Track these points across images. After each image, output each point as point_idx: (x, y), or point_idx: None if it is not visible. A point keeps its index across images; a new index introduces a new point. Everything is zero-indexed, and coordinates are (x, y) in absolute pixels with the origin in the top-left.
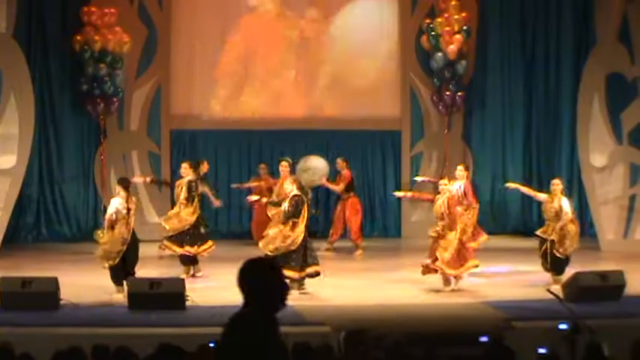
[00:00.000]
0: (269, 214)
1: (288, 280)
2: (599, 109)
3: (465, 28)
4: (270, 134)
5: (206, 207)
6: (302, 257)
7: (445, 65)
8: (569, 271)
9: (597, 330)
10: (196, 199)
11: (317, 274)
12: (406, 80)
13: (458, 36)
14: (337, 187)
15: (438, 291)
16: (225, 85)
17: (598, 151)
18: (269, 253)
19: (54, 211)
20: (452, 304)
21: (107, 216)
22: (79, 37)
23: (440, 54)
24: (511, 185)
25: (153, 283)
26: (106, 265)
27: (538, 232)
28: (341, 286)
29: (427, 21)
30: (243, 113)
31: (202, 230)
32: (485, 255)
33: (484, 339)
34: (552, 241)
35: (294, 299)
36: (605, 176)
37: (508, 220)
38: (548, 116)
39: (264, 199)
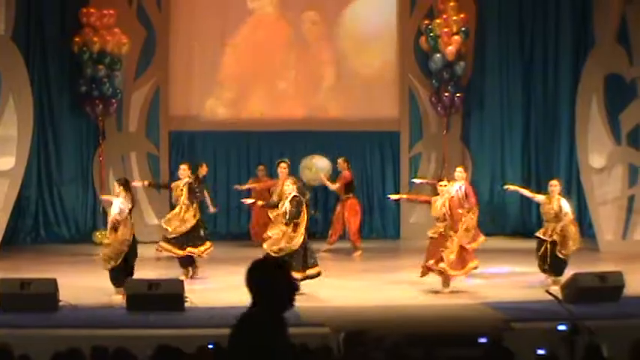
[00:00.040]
0: (270, 216)
1: None
2: (598, 110)
3: (463, 29)
4: (269, 135)
5: (204, 209)
6: (302, 258)
7: (444, 66)
8: (568, 272)
9: (596, 331)
10: (196, 202)
11: (318, 274)
12: (405, 81)
13: (456, 37)
14: (334, 186)
15: (436, 292)
16: (224, 87)
17: (597, 152)
18: (274, 254)
19: (53, 212)
20: (451, 305)
21: (112, 217)
22: (77, 39)
23: (438, 55)
24: (510, 187)
25: (152, 284)
26: (109, 266)
27: (538, 234)
28: (340, 287)
29: (426, 22)
30: (241, 114)
31: (202, 233)
32: (484, 256)
33: (483, 340)
34: (553, 243)
35: None
36: (603, 177)
37: (507, 221)
38: (546, 117)
39: (260, 202)
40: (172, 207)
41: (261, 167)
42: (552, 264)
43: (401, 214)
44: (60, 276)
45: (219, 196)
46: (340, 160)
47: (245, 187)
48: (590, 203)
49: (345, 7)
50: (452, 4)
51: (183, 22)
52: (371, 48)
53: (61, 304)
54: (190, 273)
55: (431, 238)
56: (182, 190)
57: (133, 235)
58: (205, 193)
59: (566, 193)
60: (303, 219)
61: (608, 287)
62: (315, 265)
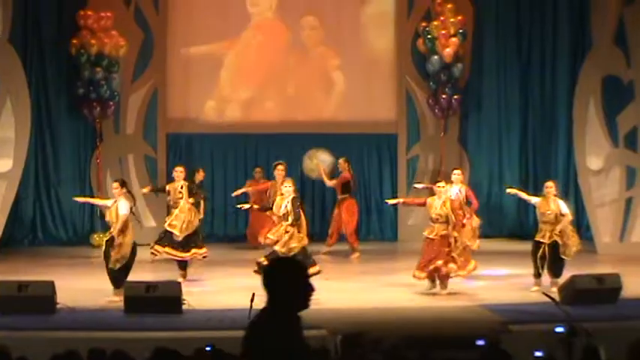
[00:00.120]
0: (274, 219)
1: None
2: (595, 112)
3: (460, 31)
4: (266, 138)
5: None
6: (302, 258)
7: (441, 68)
8: (566, 275)
9: (594, 333)
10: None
11: (318, 272)
12: (402, 83)
13: (454, 39)
14: (330, 183)
15: (434, 294)
16: (221, 89)
17: (594, 154)
18: (285, 255)
19: (50, 214)
20: (448, 307)
21: (122, 218)
22: (75, 41)
23: (436, 57)
24: (511, 191)
25: (149, 286)
26: (118, 265)
27: (538, 238)
28: (337, 290)
29: (423, 24)
30: (239, 117)
31: (200, 236)
32: (481, 258)
33: (481, 342)
34: (553, 245)
35: None
36: (601, 179)
37: (504, 223)
38: (544, 119)
39: (256, 206)
40: (168, 209)
41: (258, 169)
42: (552, 266)
43: (398, 216)
44: (57, 278)
45: (216, 198)
46: (341, 160)
47: (241, 191)
48: (587, 205)
49: (341, 10)
50: (449, 6)
51: (180, 24)
52: (368, 50)
53: (58, 306)
54: (188, 275)
55: (429, 239)
56: (181, 192)
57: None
58: (202, 199)
59: (564, 195)
60: (304, 218)
61: (605, 289)
62: (314, 264)
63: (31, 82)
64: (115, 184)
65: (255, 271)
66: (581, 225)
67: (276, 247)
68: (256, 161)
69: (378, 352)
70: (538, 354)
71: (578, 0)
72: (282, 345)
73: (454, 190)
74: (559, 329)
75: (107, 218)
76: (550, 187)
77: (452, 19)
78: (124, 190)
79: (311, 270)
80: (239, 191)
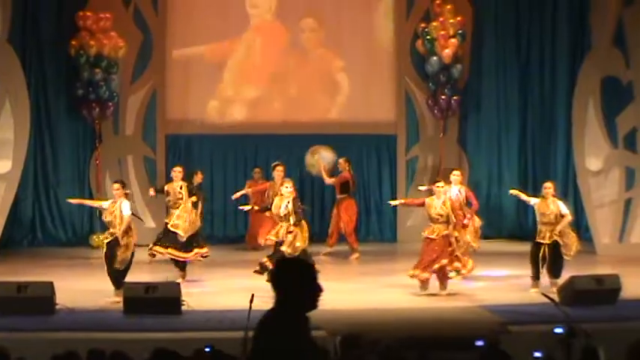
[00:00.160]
0: (275, 219)
1: None
2: (595, 113)
3: (460, 32)
4: (265, 139)
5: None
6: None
7: (440, 69)
8: (565, 275)
9: (593, 334)
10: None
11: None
12: (401, 84)
13: (453, 40)
14: (329, 180)
15: (433, 295)
16: (221, 90)
17: (593, 155)
18: (292, 255)
19: (49, 215)
20: (448, 308)
21: (126, 219)
22: (74, 42)
23: (435, 58)
24: (513, 192)
25: (148, 287)
26: (122, 267)
27: (539, 239)
28: (337, 290)
29: (422, 25)
30: (238, 118)
31: (202, 235)
32: (481, 259)
33: (480, 343)
34: (553, 244)
35: None
36: (600, 180)
37: (504, 224)
38: (543, 120)
39: (256, 207)
40: (167, 210)
41: (257, 170)
42: (552, 266)
43: (398, 217)
44: (57, 279)
45: (215, 199)
46: (341, 160)
47: (240, 193)
48: (586, 206)
49: (341, 11)
50: (448, 7)
51: (179, 25)
52: (367, 51)
53: (57, 307)
54: (187, 276)
55: (429, 239)
56: (181, 192)
57: None
58: (200, 202)
59: (563, 196)
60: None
61: (604, 290)
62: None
63: (30, 83)
64: (117, 185)
65: (255, 272)
66: (581, 226)
67: (283, 248)
68: (256, 162)
69: (377, 353)
70: (537, 355)
71: (578, 1)
72: (292, 345)
73: (454, 190)
74: (558, 330)
75: (107, 219)
76: (548, 187)
77: (451, 20)
78: (125, 191)
79: None
80: (238, 194)
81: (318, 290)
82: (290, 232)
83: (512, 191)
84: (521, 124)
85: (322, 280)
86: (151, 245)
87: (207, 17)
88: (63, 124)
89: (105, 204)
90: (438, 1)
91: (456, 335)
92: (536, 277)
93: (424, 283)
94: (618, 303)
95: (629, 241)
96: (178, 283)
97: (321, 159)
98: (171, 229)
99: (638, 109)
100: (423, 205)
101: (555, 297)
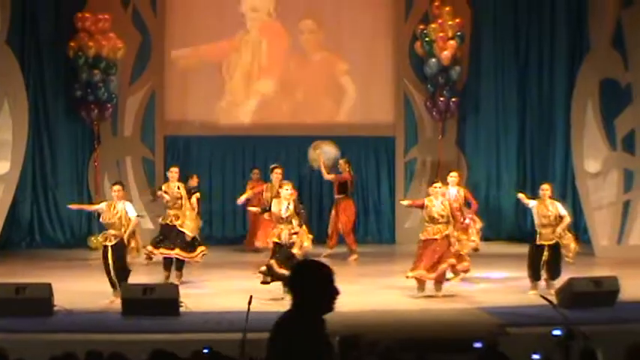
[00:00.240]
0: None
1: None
2: (593, 115)
3: (458, 33)
4: (264, 140)
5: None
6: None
7: (439, 71)
8: (563, 277)
9: (591, 336)
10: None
11: None
12: (400, 86)
13: (452, 42)
14: (328, 176)
15: (432, 296)
16: (220, 92)
17: (592, 157)
18: (300, 256)
19: (48, 217)
20: (446, 309)
21: (134, 220)
22: (72, 43)
23: (434, 60)
24: (520, 196)
25: (146, 288)
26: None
27: (541, 242)
28: None
29: (421, 27)
30: (237, 119)
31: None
32: (479, 261)
33: (478, 345)
34: (554, 246)
35: (289, 305)
36: (599, 182)
37: (502, 226)
38: (542, 122)
39: (257, 208)
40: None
41: (255, 171)
42: (551, 268)
43: (396, 218)
44: (55, 281)
45: (214, 200)
46: (342, 161)
47: (245, 197)
48: (585, 208)
49: (339, 12)
50: (447, 8)
51: (178, 26)
52: (366, 53)
53: (55, 308)
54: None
55: (430, 239)
56: (180, 192)
57: None
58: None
59: (562, 197)
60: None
61: (603, 292)
62: None
63: (29, 85)
64: (118, 187)
65: (259, 274)
66: (579, 228)
67: (294, 250)
68: (254, 163)
69: (375, 354)
70: (535, 357)
71: (576, 2)
72: (308, 347)
73: (452, 191)
74: (556, 332)
75: (110, 220)
76: (546, 189)
77: (449, 22)
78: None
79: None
80: (243, 197)
81: (334, 293)
82: (295, 234)
83: (519, 194)
84: (520, 126)
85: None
86: (150, 248)
87: (205, 18)
88: (61, 126)
89: (102, 205)
90: (436, 3)
91: (454, 337)
92: (534, 279)
93: (422, 285)
94: (616, 305)
95: (628, 243)
96: (177, 285)
97: (322, 154)
98: (180, 229)
99: (637, 111)
100: (423, 206)
101: (554, 299)
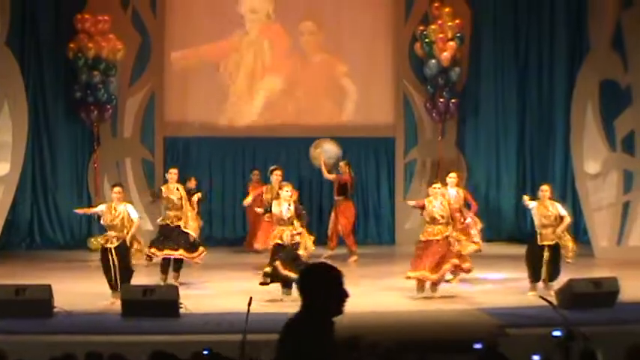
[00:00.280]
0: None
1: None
2: (593, 116)
3: (458, 35)
4: (263, 141)
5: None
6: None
7: (439, 72)
8: (563, 278)
9: (591, 337)
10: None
11: None
12: (400, 87)
13: (451, 43)
14: (328, 175)
15: (432, 298)
16: (219, 93)
17: (592, 158)
18: (305, 257)
19: (47, 218)
20: (446, 310)
21: (137, 222)
22: (72, 45)
23: (433, 61)
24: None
25: (146, 290)
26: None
27: (543, 242)
28: None
29: (421, 28)
30: (236, 121)
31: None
32: (479, 262)
33: (478, 346)
34: (554, 247)
35: (288, 307)
36: (598, 183)
37: (502, 227)
38: (541, 123)
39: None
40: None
41: (255, 172)
42: (551, 269)
43: (396, 220)
44: (55, 282)
45: (214, 201)
46: (342, 163)
47: (251, 198)
48: (585, 209)
49: (339, 13)
50: (447, 10)
51: (178, 28)
52: (365, 54)
53: (55, 310)
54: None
55: (430, 241)
56: (179, 193)
57: None
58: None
59: (562, 199)
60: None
61: (603, 293)
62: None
63: (29, 86)
64: (119, 189)
65: (263, 275)
66: (579, 229)
67: (300, 252)
68: (254, 164)
69: (375, 355)
70: (535, 358)
71: (576, 3)
72: (317, 350)
73: (452, 192)
74: (556, 333)
75: (112, 222)
76: (545, 190)
77: (449, 23)
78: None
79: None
80: (249, 199)
81: (344, 295)
82: (299, 234)
83: (525, 197)
84: (520, 127)
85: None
86: (153, 250)
87: (205, 20)
88: (61, 127)
89: (103, 207)
90: (436, 4)
91: (454, 338)
92: (534, 279)
93: (422, 285)
94: (616, 306)
95: (627, 244)
96: (177, 286)
97: (322, 152)
98: (184, 230)
99: (636, 112)
100: (424, 207)
101: (553, 300)
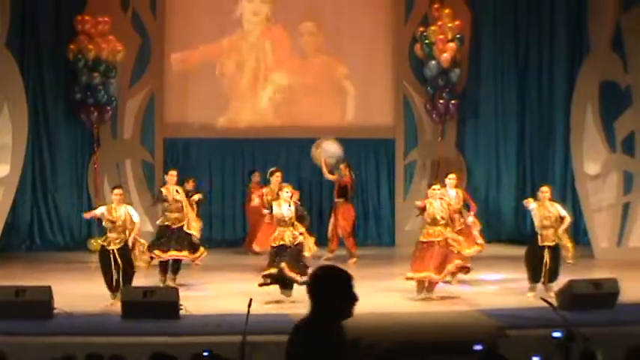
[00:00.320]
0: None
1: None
2: (593, 118)
3: (458, 36)
4: (263, 143)
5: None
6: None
7: (439, 73)
8: (563, 279)
9: (591, 338)
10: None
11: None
12: (400, 88)
13: (451, 44)
14: (328, 176)
15: (431, 299)
16: (219, 94)
17: (592, 159)
18: (309, 258)
19: (47, 220)
20: (445, 312)
21: (138, 224)
22: (72, 46)
23: (433, 62)
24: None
25: (146, 291)
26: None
27: (544, 243)
28: None
29: (421, 29)
30: (236, 122)
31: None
32: (479, 263)
33: (478, 347)
34: (554, 248)
35: (288, 308)
36: (598, 184)
37: (502, 228)
38: (541, 124)
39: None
40: (163, 212)
41: (256, 174)
42: (551, 271)
43: (396, 221)
44: (55, 283)
45: (214, 203)
46: (342, 166)
47: (259, 201)
48: (585, 210)
49: (339, 15)
50: (447, 11)
51: (178, 29)
52: (366, 55)
53: (55, 311)
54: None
55: (431, 242)
56: (179, 194)
57: None
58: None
59: (562, 200)
60: None
61: (603, 294)
62: (305, 272)
63: (29, 88)
64: (120, 191)
65: (267, 277)
66: (579, 230)
67: (306, 253)
68: (254, 166)
69: (376, 356)
70: (535, 359)
71: (576, 4)
72: (326, 353)
73: (451, 193)
74: (556, 334)
75: (111, 224)
76: (545, 191)
77: (449, 25)
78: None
79: (302, 278)
80: (257, 201)
81: (353, 299)
82: (301, 234)
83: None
84: (520, 129)
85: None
86: (158, 252)
87: (205, 21)
88: (61, 129)
89: (102, 210)
90: (436, 5)
91: (454, 339)
92: (534, 281)
93: (422, 286)
94: (616, 307)
95: (627, 245)
96: (177, 288)
97: (323, 152)
98: (188, 231)
99: (637, 114)
100: (425, 208)
101: (553, 301)
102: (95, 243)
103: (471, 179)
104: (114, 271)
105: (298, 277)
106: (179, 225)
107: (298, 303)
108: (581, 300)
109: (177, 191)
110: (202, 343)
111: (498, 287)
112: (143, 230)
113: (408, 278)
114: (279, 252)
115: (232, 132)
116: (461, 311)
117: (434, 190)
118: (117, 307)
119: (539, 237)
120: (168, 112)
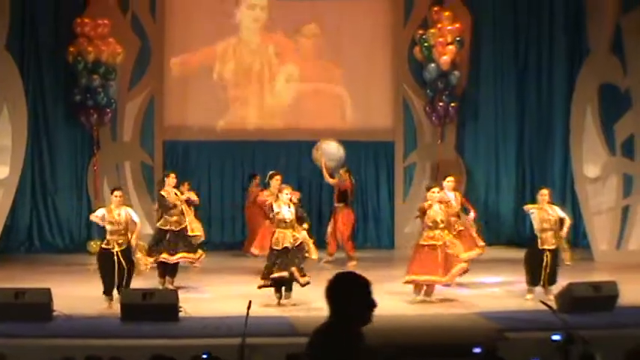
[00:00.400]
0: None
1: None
2: (592, 120)
3: (457, 39)
4: (263, 145)
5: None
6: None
7: (438, 76)
8: (562, 282)
9: (591, 340)
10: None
11: (308, 283)
12: (399, 91)
13: (451, 47)
14: (328, 179)
15: (430, 302)
16: (219, 97)
17: (591, 162)
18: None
19: (47, 222)
20: (445, 315)
21: (139, 226)
22: (72, 49)
23: (433, 65)
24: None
25: (146, 294)
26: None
27: (545, 246)
28: None
29: (420, 32)
30: (235, 125)
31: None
32: (478, 266)
33: (477, 350)
34: (554, 250)
35: (287, 310)
36: (598, 187)
37: (501, 230)
38: (541, 127)
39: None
40: (161, 214)
41: (256, 178)
42: (551, 273)
43: (395, 223)
44: (54, 286)
45: (213, 205)
46: (342, 171)
47: (269, 204)
48: (584, 213)
49: (338, 17)
50: (446, 13)
51: (177, 32)
52: (365, 58)
53: (55, 313)
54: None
55: (436, 245)
56: (178, 196)
57: None
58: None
59: (561, 202)
60: None
61: (602, 297)
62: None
63: (28, 90)
64: (120, 193)
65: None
66: (578, 233)
67: (313, 256)
68: (253, 168)
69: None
70: None
71: (575, 7)
72: (348, 355)
73: (450, 196)
74: (556, 337)
75: (112, 226)
76: (544, 194)
77: (449, 27)
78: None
79: (302, 279)
80: (267, 202)
81: (372, 305)
82: (303, 236)
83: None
84: (519, 131)
85: (319, 287)
86: (165, 255)
87: (205, 24)
88: (61, 131)
89: (103, 212)
90: (435, 8)
91: (453, 342)
92: (533, 284)
93: (419, 289)
94: (616, 310)
95: (627, 247)
96: (176, 290)
97: (323, 154)
98: (190, 233)
99: (636, 116)
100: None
101: (553, 304)
102: (95, 245)
103: (471, 182)
104: (116, 274)
105: (302, 280)
106: (179, 227)
107: (297, 305)
108: (580, 303)
109: (175, 194)
110: (201, 345)
111: (498, 290)
112: (143, 233)
113: (407, 282)
114: (280, 254)
115: (232, 134)
116: (460, 314)
117: (433, 193)
118: (116, 309)
119: (539, 240)
120: (168, 115)
